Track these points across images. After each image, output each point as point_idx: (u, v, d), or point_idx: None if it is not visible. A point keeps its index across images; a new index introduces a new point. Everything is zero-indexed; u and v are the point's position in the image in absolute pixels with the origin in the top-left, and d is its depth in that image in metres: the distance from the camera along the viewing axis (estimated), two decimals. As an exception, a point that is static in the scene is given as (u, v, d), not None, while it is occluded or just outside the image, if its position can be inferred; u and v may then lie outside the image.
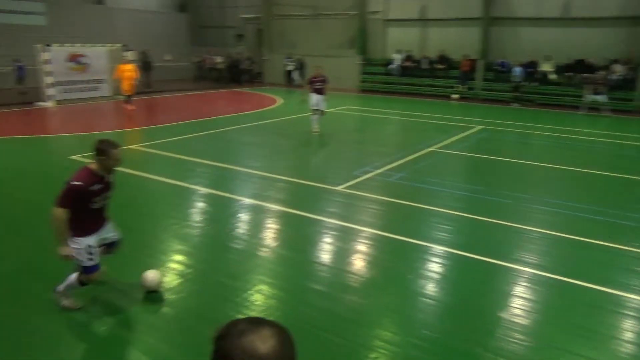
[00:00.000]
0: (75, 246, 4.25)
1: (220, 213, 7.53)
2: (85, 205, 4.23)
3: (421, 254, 6.11)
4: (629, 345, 4.35)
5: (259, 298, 4.92)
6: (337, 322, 4.53)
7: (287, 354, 1.16)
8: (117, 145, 4.29)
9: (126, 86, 16.49)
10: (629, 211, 7.71)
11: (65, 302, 4.50)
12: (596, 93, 18.69)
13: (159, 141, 12.07)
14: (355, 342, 4.25)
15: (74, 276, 4.41)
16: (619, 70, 19.77)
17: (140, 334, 4.28)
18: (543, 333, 4.51)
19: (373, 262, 5.93)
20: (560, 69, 21.02)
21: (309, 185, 8.86)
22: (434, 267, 5.77)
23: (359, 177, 9.30)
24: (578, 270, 5.71)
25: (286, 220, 7.26)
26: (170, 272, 5.45)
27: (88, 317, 4.50)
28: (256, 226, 6.99)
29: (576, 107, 19.57)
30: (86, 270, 4.33)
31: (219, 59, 28.62)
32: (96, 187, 4.25)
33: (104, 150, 4.22)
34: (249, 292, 5.03)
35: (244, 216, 7.38)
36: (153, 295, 4.85)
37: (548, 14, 21.31)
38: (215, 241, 6.45)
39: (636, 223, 7.23)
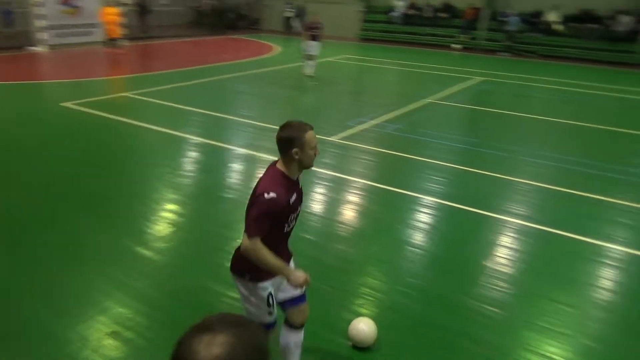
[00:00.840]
0: (256, 296, 2.87)
1: (213, 162, 7.54)
2: (275, 228, 2.79)
3: (411, 205, 6.17)
4: (605, 292, 4.47)
5: (249, 246, 5.00)
6: (326, 271, 4.63)
7: None
8: (309, 127, 2.74)
9: (109, 30, 16.28)
10: (621, 165, 7.74)
11: None
12: None
13: (153, 89, 11.90)
14: (342, 290, 4.36)
15: None
16: (625, 21, 19.27)
17: (130, 280, 4.38)
18: (526, 281, 4.63)
19: (364, 212, 6.00)
20: (565, 20, 20.48)
21: (303, 135, 8.81)
22: (424, 217, 5.84)
23: (353, 127, 9.25)
24: (565, 221, 5.79)
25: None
26: (162, 220, 5.52)
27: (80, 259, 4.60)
28: (249, 176, 7.02)
29: (581, 60, 19.25)
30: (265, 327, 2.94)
31: (215, 3, 27.80)
32: (293, 197, 2.80)
33: (294, 138, 2.67)
34: (239, 240, 5.10)
35: (236, 166, 7.39)
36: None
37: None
38: (207, 190, 6.49)
39: (627, 177, 7.27)
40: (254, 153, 7.80)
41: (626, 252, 5.19)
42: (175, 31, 24.49)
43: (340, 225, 5.61)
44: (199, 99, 11.31)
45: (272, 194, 2.63)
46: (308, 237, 5.27)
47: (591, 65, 18.94)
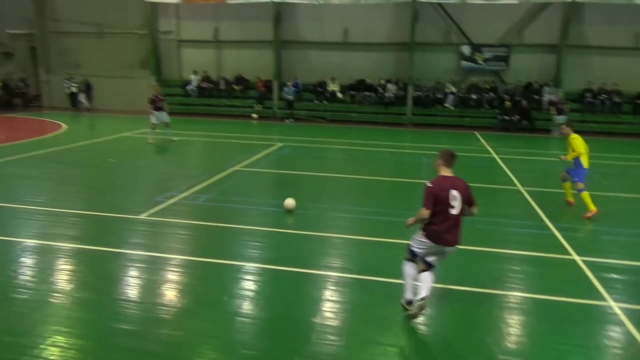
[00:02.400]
0: None
1: (-3, 260, 6.38)
2: None
3: (234, 274, 6.07)
4: (421, 326, 4.95)
5: (54, 352, 4.27)
6: (151, 361, 4.20)
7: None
8: None
9: None
10: (404, 209, 8.86)
11: None
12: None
13: None
14: (173, 379, 3.99)
15: None
16: (391, 88, 22.75)
17: None
18: (352, 330, 4.85)
19: (185, 290, 5.67)
20: (345, 89, 23.30)
21: (107, 216, 8.10)
22: (248, 285, 5.77)
23: (162, 202, 8.85)
24: (374, 267, 6.30)
25: (82, 259, 6.49)
26: None
27: None
28: (45, 270, 6.08)
29: (362, 122, 21.94)
30: None
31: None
32: None
33: None
34: (40, 347, 4.33)
35: (27, 260, 6.37)
36: None
37: (330, 39, 23.48)
38: (-9, 294, 5.42)
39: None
40: (49, 242, 6.86)
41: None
42: None
43: (161, 308, 5.19)
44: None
45: None
46: (125, 327, 4.75)
47: (371, 126, 21.68)
